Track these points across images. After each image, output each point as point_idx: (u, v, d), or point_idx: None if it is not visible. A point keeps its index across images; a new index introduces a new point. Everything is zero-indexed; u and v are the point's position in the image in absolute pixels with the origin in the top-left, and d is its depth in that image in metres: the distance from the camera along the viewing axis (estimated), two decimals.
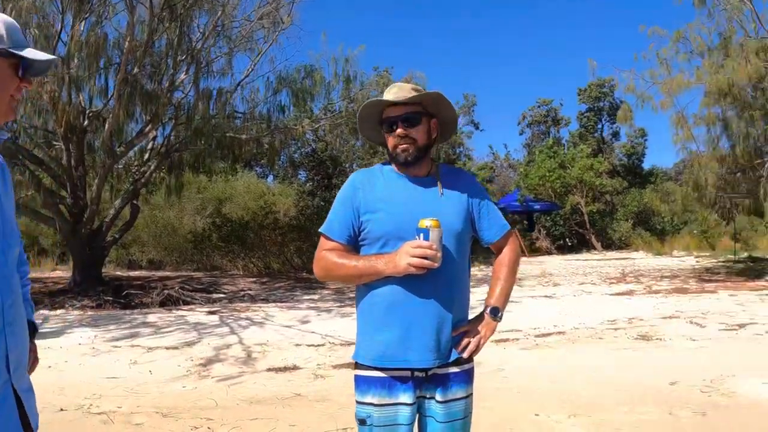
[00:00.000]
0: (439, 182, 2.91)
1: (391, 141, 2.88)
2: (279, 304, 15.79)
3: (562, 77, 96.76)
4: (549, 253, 38.41)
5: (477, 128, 47.02)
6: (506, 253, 3.08)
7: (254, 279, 22.26)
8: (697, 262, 29.24)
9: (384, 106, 2.88)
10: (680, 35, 22.59)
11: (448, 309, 2.79)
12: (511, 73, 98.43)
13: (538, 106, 54.97)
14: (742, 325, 11.28)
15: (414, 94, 2.87)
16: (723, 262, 27.94)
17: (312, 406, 6.78)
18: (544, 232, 40.77)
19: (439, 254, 2.62)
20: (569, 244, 40.95)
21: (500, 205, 37.70)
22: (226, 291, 18.36)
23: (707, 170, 21.95)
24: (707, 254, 33.59)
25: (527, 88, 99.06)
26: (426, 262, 2.59)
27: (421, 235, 2.61)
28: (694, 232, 39.10)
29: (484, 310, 2.95)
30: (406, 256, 2.60)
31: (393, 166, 2.94)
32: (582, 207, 39.55)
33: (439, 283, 2.75)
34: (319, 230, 2.93)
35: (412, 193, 2.86)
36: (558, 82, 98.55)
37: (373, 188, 2.88)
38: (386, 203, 2.81)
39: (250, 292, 18.10)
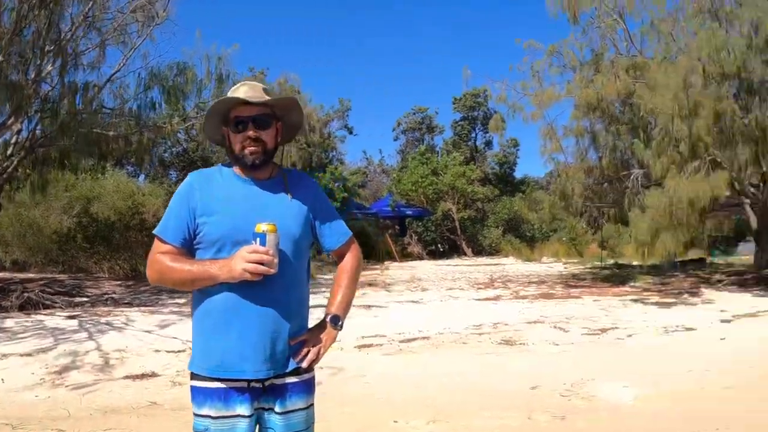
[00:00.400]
0: (287, 186, 2.81)
1: (238, 141, 2.73)
2: (142, 308, 15.27)
3: (439, 85, 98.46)
4: (420, 258, 38.86)
5: (351, 133, 47.38)
6: (348, 261, 3.01)
7: (120, 282, 21.56)
8: (565, 268, 30.11)
9: (234, 104, 2.73)
10: (554, 49, 23.25)
11: (285, 317, 2.68)
12: (388, 79, 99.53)
13: (414, 113, 55.73)
14: (604, 330, 11.59)
15: (264, 94, 2.77)
16: (590, 268, 28.84)
17: (168, 415, 6.56)
18: (416, 237, 41.23)
19: (276, 260, 2.52)
20: (441, 249, 41.51)
21: (372, 210, 38.07)
22: (89, 294, 17.66)
23: (574, 180, 22.60)
24: (575, 261, 34.63)
25: (404, 95, 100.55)
26: (262, 267, 2.49)
27: (258, 239, 2.51)
28: (563, 239, 40.26)
29: (324, 318, 2.87)
30: (242, 261, 2.49)
31: (234, 168, 2.81)
32: (453, 213, 40.24)
33: (276, 289, 2.64)
34: (153, 232, 2.77)
35: (253, 196, 2.73)
36: (435, 90, 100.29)
37: (211, 189, 2.73)
38: (224, 206, 2.68)
39: (113, 295, 17.46)
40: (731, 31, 18.08)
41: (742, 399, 7.04)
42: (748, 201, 20.93)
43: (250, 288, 2.58)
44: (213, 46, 21.47)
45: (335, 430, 5.85)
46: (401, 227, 42.31)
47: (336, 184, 31.91)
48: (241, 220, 2.61)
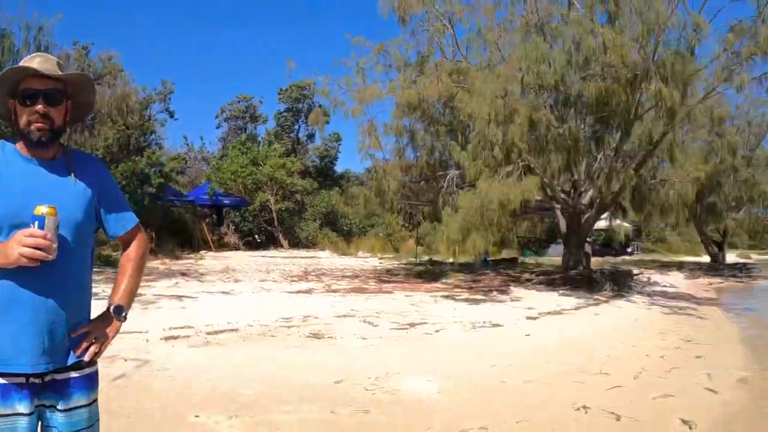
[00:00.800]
0: (71, 168, 2.58)
1: (24, 115, 2.49)
2: None
3: (267, 75, 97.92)
4: (236, 248, 38.25)
5: (172, 116, 45.87)
6: (133, 249, 2.80)
7: None
8: (380, 263, 30.49)
9: (25, 75, 2.49)
10: (382, 48, 23.39)
11: (64, 307, 2.45)
12: (214, 66, 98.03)
13: (238, 102, 54.89)
14: (413, 325, 11.64)
15: (58, 69, 2.56)
16: (404, 264, 29.33)
17: None
18: (233, 227, 40.59)
19: (55, 245, 2.32)
20: (257, 240, 41.08)
21: (189, 198, 37.06)
22: None
23: (390, 178, 22.86)
24: (391, 256, 35.22)
25: (230, 83, 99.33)
26: (39, 253, 2.27)
27: (36, 223, 2.30)
28: (380, 234, 40.91)
29: (107, 309, 2.65)
30: (18, 246, 2.27)
31: (17, 146, 2.55)
32: (272, 204, 39.89)
33: (56, 278, 2.41)
34: None
35: (34, 177, 2.49)
36: (262, 79, 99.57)
37: None
38: (2, 186, 2.42)
39: None
40: (555, 46, 18.82)
41: (542, 393, 7.24)
42: (558, 206, 21.92)
43: (27, 275, 2.35)
44: (35, 14, 20.27)
45: (136, 425, 5.57)
46: (218, 216, 41.47)
47: (153, 170, 30.77)
48: (20, 201, 2.38)
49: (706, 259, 42.55)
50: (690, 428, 6.39)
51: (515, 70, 18.06)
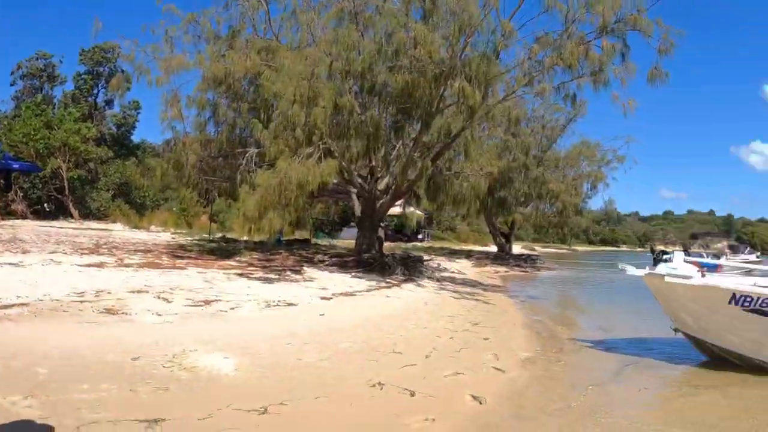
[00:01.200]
0: None
1: None
2: None
3: (69, 33, 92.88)
4: (24, 217, 36.21)
5: None
6: None
7: None
8: (173, 238, 29.93)
9: None
10: (193, 18, 22.82)
11: None
12: (13, 17, 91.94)
13: (37, 59, 51.67)
14: (208, 302, 11.59)
15: None
16: (198, 240, 28.94)
17: None
18: (22, 194, 38.32)
19: None
20: (47, 209, 39.05)
21: None
22: None
23: (190, 151, 22.44)
24: (184, 231, 34.60)
25: (28, 37, 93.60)
26: None
27: None
28: (174, 209, 40.03)
29: None
30: None
31: None
32: (63, 172, 38.00)
33: None
34: None
35: None
36: (64, 37, 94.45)
37: None
38: None
39: None
40: (366, 35, 19.10)
41: (338, 370, 7.46)
42: (355, 190, 22.37)
43: None
44: None
45: None
46: (6, 181, 38.84)
47: None
48: None
49: (493, 249, 44.99)
50: (480, 403, 6.86)
51: (324, 54, 18.24)
